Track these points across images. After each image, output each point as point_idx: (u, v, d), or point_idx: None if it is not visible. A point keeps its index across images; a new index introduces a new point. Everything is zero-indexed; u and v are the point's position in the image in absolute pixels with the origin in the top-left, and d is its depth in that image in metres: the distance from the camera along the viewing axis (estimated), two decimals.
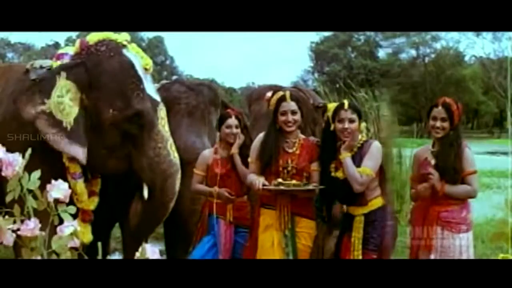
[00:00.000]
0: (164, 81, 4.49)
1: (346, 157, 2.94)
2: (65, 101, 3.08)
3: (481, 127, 32.60)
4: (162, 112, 3.29)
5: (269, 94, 3.27)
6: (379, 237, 2.96)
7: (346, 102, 3.08)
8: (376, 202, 3.00)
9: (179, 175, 3.30)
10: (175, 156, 3.28)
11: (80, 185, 3.19)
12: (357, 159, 2.98)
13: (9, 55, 33.54)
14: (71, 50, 3.33)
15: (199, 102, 3.97)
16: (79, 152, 3.12)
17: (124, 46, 3.25)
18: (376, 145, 3.04)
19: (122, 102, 3.13)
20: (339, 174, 3.00)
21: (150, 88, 3.31)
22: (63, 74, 3.10)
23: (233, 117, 3.38)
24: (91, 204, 3.27)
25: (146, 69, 3.29)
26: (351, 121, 2.98)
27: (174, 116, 3.79)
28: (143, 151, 3.21)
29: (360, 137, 3.04)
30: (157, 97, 3.34)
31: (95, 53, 3.17)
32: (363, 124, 3.13)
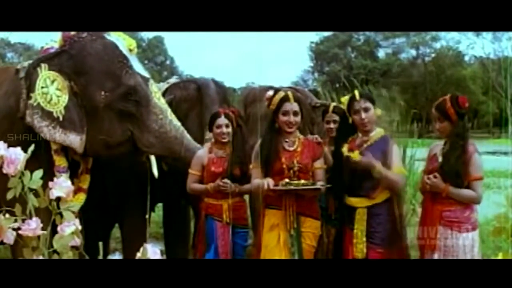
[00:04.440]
0: (172, 80, 4.51)
1: (380, 169, 2.91)
2: (50, 91, 3.09)
3: (481, 127, 32.54)
4: (154, 86, 3.36)
5: (270, 93, 3.26)
6: (385, 232, 2.96)
7: (357, 92, 3.09)
8: (382, 196, 2.99)
9: (186, 133, 3.39)
10: (176, 121, 3.36)
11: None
12: (377, 153, 2.97)
13: (9, 55, 33.50)
14: (55, 44, 3.33)
15: (217, 100, 3.99)
16: (76, 141, 3.12)
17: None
18: (394, 143, 3.10)
19: (112, 82, 3.16)
20: (354, 155, 2.99)
21: (138, 66, 3.34)
22: (44, 65, 3.11)
23: (223, 116, 3.36)
24: (77, 200, 3.22)
25: (130, 50, 3.33)
26: (366, 110, 3.00)
27: (199, 113, 3.86)
28: (145, 127, 3.23)
29: (377, 130, 3.06)
30: (147, 74, 3.38)
31: (78, 40, 3.20)
32: (379, 110, 3.12)
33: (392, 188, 2.99)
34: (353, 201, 3.02)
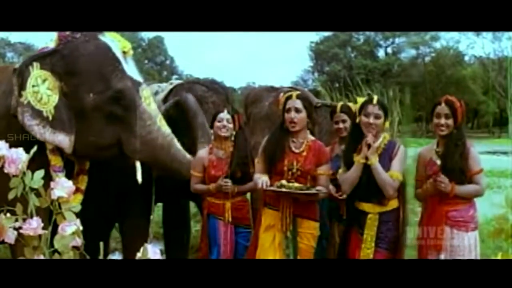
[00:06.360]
0: (174, 81, 4.51)
1: (375, 162, 2.89)
2: (41, 90, 3.08)
3: (481, 127, 32.54)
4: (145, 92, 3.29)
5: (281, 95, 3.29)
6: (393, 238, 2.96)
7: (375, 97, 3.05)
8: (393, 203, 2.98)
9: (175, 142, 3.32)
10: (166, 128, 3.31)
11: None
12: (384, 160, 2.95)
13: (9, 55, 33.49)
14: (52, 45, 3.32)
15: (221, 100, 4.00)
16: (65, 141, 3.11)
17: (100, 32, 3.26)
18: (402, 148, 3.02)
19: (101, 84, 3.14)
20: (370, 161, 2.93)
21: (132, 70, 3.31)
22: (36, 64, 3.10)
23: (225, 112, 3.34)
24: (74, 201, 3.22)
25: (124, 52, 3.31)
26: (377, 117, 2.95)
27: (204, 114, 3.86)
28: (132, 132, 3.19)
29: (383, 136, 3.01)
30: (140, 79, 3.34)
31: (71, 40, 3.19)
32: (387, 123, 3.08)
33: (381, 188, 2.93)
34: (365, 206, 2.99)
